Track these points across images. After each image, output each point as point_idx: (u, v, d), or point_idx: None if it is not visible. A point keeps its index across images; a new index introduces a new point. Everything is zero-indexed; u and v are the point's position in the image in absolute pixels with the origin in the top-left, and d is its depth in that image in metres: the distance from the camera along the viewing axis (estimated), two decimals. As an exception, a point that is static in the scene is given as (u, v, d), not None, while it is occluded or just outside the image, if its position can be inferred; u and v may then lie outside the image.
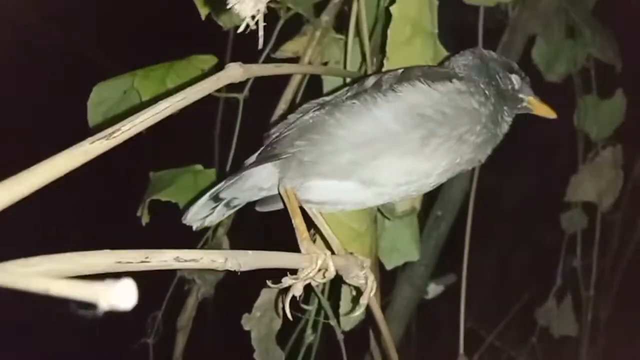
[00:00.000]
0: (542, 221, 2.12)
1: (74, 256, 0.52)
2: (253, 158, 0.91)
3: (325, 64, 1.36)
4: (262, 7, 0.51)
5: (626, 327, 2.14)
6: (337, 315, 1.18)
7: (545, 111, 0.97)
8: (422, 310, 1.84)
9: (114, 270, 0.54)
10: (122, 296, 0.33)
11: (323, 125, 0.82)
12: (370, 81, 0.86)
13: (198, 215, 0.94)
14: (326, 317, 1.23)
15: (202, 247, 1.37)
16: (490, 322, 2.02)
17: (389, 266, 1.29)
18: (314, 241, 0.99)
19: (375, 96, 0.82)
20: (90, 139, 0.56)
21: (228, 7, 0.51)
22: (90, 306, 0.33)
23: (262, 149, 0.90)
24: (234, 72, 0.72)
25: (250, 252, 0.67)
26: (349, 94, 0.87)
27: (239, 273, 0.66)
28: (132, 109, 1.20)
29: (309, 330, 1.30)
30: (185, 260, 0.60)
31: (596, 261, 1.87)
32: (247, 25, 0.51)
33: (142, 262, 0.56)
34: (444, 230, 1.73)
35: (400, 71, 0.86)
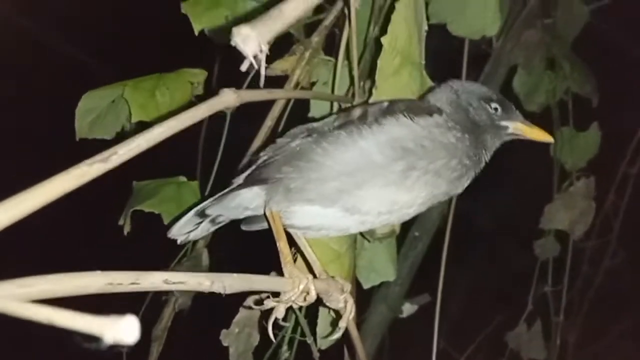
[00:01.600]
0: (516, 247, 2.17)
1: (66, 277, 0.53)
2: (241, 179, 0.92)
3: (313, 84, 1.38)
4: (265, 48, 0.53)
5: (593, 353, 2.20)
6: (313, 333, 1.19)
7: (538, 135, 0.96)
8: (395, 328, 1.86)
9: (106, 292, 0.55)
10: (126, 331, 0.34)
11: (310, 154, 0.85)
12: (357, 112, 0.89)
13: (183, 230, 0.96)
14: (302, 334, 1.25)
15: (181, 259, 1.38)
16: (462, 343, 2.06)
17: (366, 285, 1.31)
18: (295, 260, 1.01)
19: (361, 128, 0.85)
20: (87, 161, 0.57)
21: (232, 44, 0.53)
22: (95, 339, 0.35)
23: (250, 170, 0.92)
24: (228, 98, 0.74)
25: (235, 275, 0.69)
26: (335, 123, 0.90)
27: (224, 295, 0.68)
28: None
29: (284, 347, 1.32)
30: (174, 283, 0.62)
31: (566, 288, 1.92)
32: (250, 64, 0.53)
33: (132, 283, 0.57)
34: (420, 251, 1.77)
35: (385, 104, 0.89)
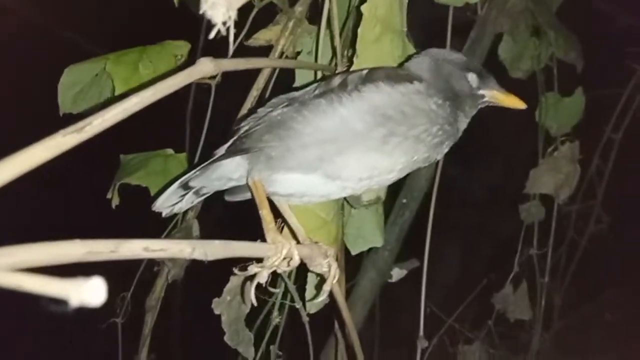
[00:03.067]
0: (501, 211, 2.20)
1: (45, 246, 0.54)
2: (222, 150, 0.93)
3: (298, 53, 1.38)
4: (234, 14, 0.53)
5: (577, 312, 2.26)
6: (302, 298, 1.22)
7: (513, 102, 0.99)
8: (385, 293, 1.90)
9: (85, 260, 0.57)
10: (92, 293, 0.36)
11: (290, 122, 0.86)
12: (337, 81, 0.90)
13: (167, 203, 0.97)
14: (292, 300, 1.28)
15: (172, 229, 1.40)
16: (450, 306, 2.10)
17: (354, 252, 1.33)
18: (281, 231, 1.03)
19: (341, 96, 0.86)
20: (62, 131, 0.58)
21: (200, 12, 0.54)
22: (62, 302, 0.36)
23: (231, 141, 0.93)
24: (205, 67, 0.74)
25: (216, 241, 0.70)
26: (316, 92, 0.90)
27: (206, 262, 0.69)
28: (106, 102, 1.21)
29: (275, 313, 1.35)
30: (154, 250, 0.62)
31: (551, 251, 1.95)
32: (218, 31, 0.53)
33: (112, 251, 0.58)
34: (408, 217, 1.79)
35: (364, 72, 0.90)
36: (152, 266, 1.45)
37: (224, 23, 0.54)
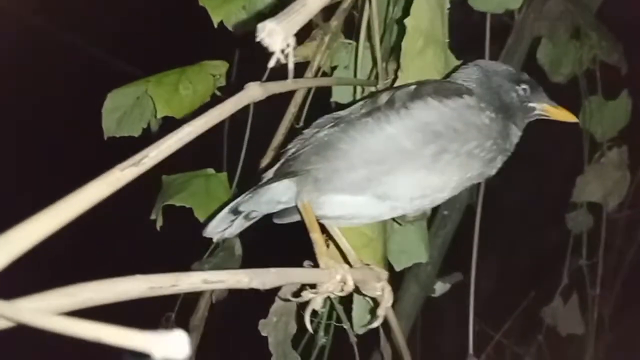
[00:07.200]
0: (548, 221, 2.13)
1: (108, 284, 0.53)
2: (271, 173, 0.92)
3: (334, 68, 1.37)
4: (292, 41, 0.52)
5: (631, 324, 2.17)
6: (349, 318, 1.20)
7: (564, 116, 0.97)
8: (428, 307, 1.85)
9: (147, 296, 0.56)
10: (175, 347, 0.34)
11: (338, 143, 0.84)
12: (384, 98, 0.87)
13: (218, 228, 0.97)
14: (338, 319, 1.25)
15: (214, 249, 1.40)
16: (497, 320, 2.04)
17: (398, 268, 1.31)
18: (327, 246, 1.01)
19: (388, 114, 0.84)
20: (120, 166, 0.58)
21: (257, 40, 0.52)
22: (144, 355, 0.35)
23: (279, 164, 0.91)
24: (254, 91, 0.74)
25: (272, 270, 0.69)
26: (362, 110, 0.88)
27: (263, 291, 0.68)
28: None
29: (321, 333, 1.33)
30: (213, 282, 0.62)
31: (602, 260, 1.88)
32: (278, 59, 0.52)
33: (173, 285, 0.58)
34: (450, 229, 1.75)
35: (412, 87, 0.87)
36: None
37: (282, 51, 0.52)
